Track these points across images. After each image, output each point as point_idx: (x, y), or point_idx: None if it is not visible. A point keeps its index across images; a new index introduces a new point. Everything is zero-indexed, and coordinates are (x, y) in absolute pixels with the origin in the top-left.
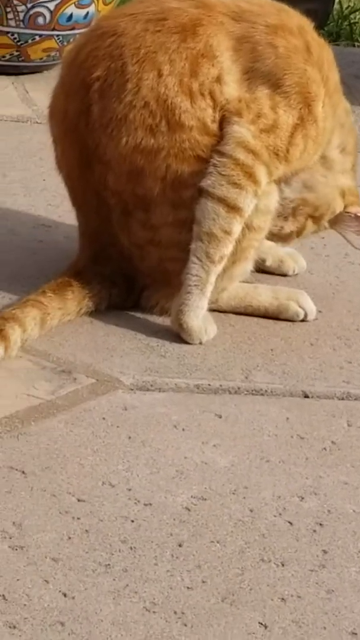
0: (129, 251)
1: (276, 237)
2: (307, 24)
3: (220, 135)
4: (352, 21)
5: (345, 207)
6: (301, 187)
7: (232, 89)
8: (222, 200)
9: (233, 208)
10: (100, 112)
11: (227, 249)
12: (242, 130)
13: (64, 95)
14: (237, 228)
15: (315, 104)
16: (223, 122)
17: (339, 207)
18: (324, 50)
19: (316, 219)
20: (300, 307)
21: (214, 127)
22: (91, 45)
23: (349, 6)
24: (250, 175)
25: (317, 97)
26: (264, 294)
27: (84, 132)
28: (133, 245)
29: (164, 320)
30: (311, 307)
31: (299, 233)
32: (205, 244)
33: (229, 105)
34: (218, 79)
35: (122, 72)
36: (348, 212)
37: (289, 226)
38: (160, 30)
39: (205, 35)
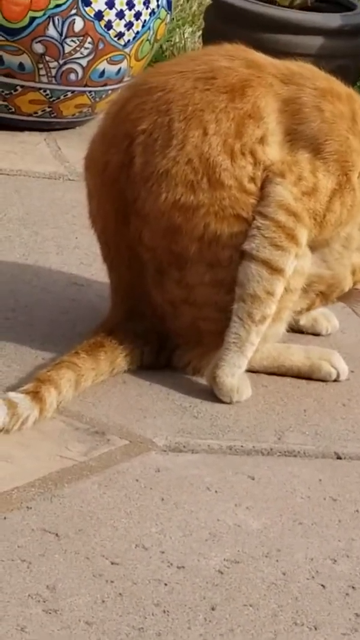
0: (161, 309)
1: (292, 328)
2: (356, 94)
3: (260, 195)
4: None
5: (355, 283)
6: (319, 262)
7: (274, 150)
8: (265, 263)
9: (276, 270)
10: (142, 165)
11: (270, 309)
12: (284, 192)
13: (106, 146)
14: (279, 289)
15: (352, 173)
16: (265, 182)
17: (348, 286)
18: None
19: (325, 296)
20: (332, 367)
21: (251, 186)
22: (138, 99)
23: None
24: (292, 238)
25: (354, 167)
26: (297, 354)
27: (124, 184)
28: (166, 303)
29: (196, 380)
30: (343, 367)
31: (307, 309)
32: (248, 304)
33: (273, 167)
34: (261, 140)
35: (169, 127)
36: (357, 289)
37: (300, 304)
38: (209, 89)
39: (253, 96)
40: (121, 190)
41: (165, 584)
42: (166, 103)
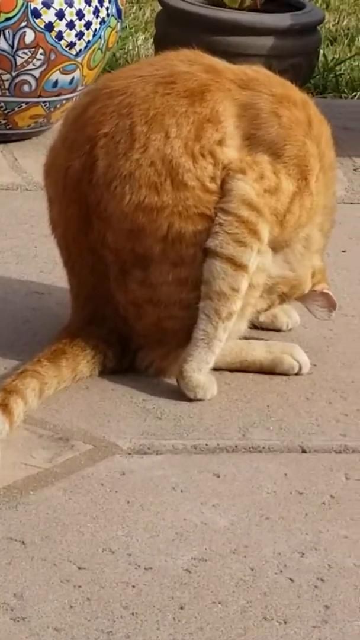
0: (125, 310)
1: (254, 324)
2: (309, 99)
3: (222, 193)
4: (337, 73)
5: (313, 285)
6: (282, 263)
7: (232, 151)
8: (229, 259)
9: (240, 266)
10: (105, 168)
11: (236, 305)
12: (246, 187)
13: (67, 151)
14: (244, 285)
15: (311, 177)
16: (226, 179)
17: (308, 288)
18: (323, 127)
19: (286, 296)
20: (294, 360)
21: (213, 186)
22: (100, 103)
23: (334, 58)
24: (255, 233)
25: (312, 171)
26: (258, 348)
27: (86, 188)
28: (130, 304)
29: (159, 382)
30: (305, 360)
31: (266, 310)
32: (214, 301)
33: (232, 165)
34: (220, 142)
35: (131, 130)
36: (315, 290)
37: (261, 304)
38: (170, 94)
39: (212, 101)
40: (83, 194)
41: (133, 586)
42: (128, 107)
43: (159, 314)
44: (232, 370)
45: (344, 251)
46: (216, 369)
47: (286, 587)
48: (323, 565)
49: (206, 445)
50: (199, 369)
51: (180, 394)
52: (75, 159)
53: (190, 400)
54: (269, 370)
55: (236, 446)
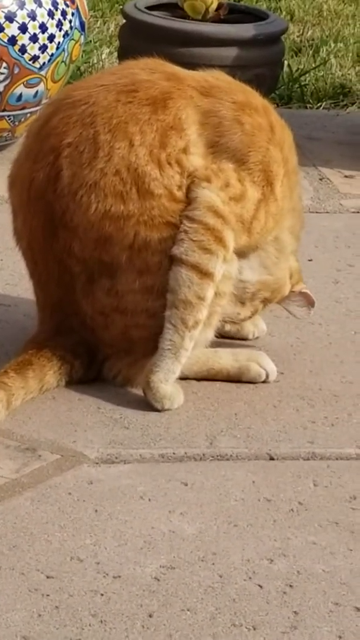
0: (91, 320)
1: (231, 323)
2: (270, 105)
3: (188, 201)
4: (302, 83)
5: (291, 286)
6: (260, 268)
7: (197, 159)
8: (195, 267)
9: (206, 274)
10: (70, 178)
11: (202, 314)
12: (212, 195)
13: (31, 162)
14: (210, 293)
15: (276, 182)
16: (191, 187)
17: (288, 289)
18: (285, 132)
19: (268, 301)
20: (261, 367)
21: (180, 194)
22: (62, 113)
23: (299, 69)
24: (220, 240)
25: (277, 176)
26: (225, 357)
27: (51, 198)
28: (97, 313)
29: (126, 392)
30: (272, 368)
31: (251, 316)
32: (180, 310)
33: (197, 172)
34: (185, 150)
35: (94, 139)
36: (293, 291)
37: (245, 312)
38: (132, 102)
39: (174, 108)
40: (48, 205)
41: (102, 594)
42: (91, 116)
43: (125, 322)
44: (199, 379)
45: (310, 260)
46: (183, 378)
47: (255, 593)
48: (292, 572)
49: (174, 454)
50: (166, 379)
51: (147, 404)
52: (40, 170)
53: (157, 410)
54: (236, 378)
55: (204, 454)
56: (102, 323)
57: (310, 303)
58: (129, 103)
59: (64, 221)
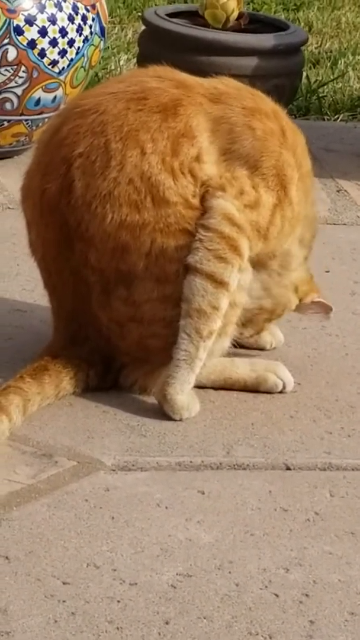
0: (107, 330)
1: (237, 343)
2: (281, 110)
3: (203, 209)
4: (320, 95)
5: (300, 300)
6: (259, 292)
7: (210, 168)
8: (209, 276)
9: (220, 283)
10: (83, 188)
11: (216, 324)
12: (227, 204)
13: (41, 174)
14: (224, 303)
15: (290, 186)
16: (206, 197)
17: (293, 304)
18: (297, 136)
19: (271, 320)
20: (278, 378)
21: (195, 201)
22: (72, 122)
23: (317, 80)
24: (235, 249)
25: (292, 180)
26: (242, 367)
27: (64, 210)
28: (113, 323)
29: (143, 399)
30: (289, 378)
31: (257, 333)
32: (194, 320)
33: (212, 181)
34: (197, 159)
35: (106, 149)
36: (306, 303)
37: (249, 331)
38: (142, 110)
39: (185, 115)
40: (62, 216)
41: (118, 601)
42: (101, 125)
43: (141, 332)
44: (216, 388)
45: (327, 271)
46: (200, 386)
47: (271, 602)
48: (308, 581)
49: (190, 462)
50: (182, 390)
51: (164, 412)
52: (51, 182)
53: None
54: (253, 388)
55: (221, 463)
56: (118, 332)
57: (326, 310)
58: (139, 111)
59: (80, 232)
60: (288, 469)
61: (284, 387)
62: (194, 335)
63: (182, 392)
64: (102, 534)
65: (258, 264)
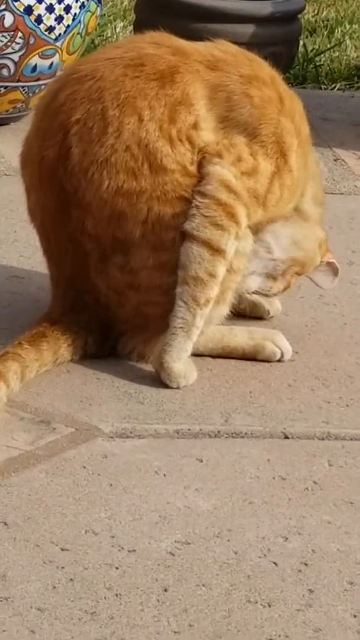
0: (105, 297)
1: (264, 296)
2: (278, 76)
3: (200, 176)
4: (317, 64)
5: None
6: (291, 246)
7: (208, 135)
8: (206, 243)
9: (217, 250)
10: (80, 155)
11: (213, 291)
12: (224, 171)
13: (40, 140)
14: (221, 270)
15: (290, 153)
16: (203, 163)
17: (319, 259)
18: (294, 102)
19: (300, 274)
20: (276, 346)
21: (193, 169)
22: (69, 88)
23: (314, 49)
24: (232, 216)
25: (291, 147)
26: (240, 335)
27: (62, 176)
28: (111, 291)
29: (141, 367)
30: (287, 347)
31: (285, 290)
32: (191, 287)
33: (209, 148)
34: (195, 126)
35: (103, 115)
36: (322, 261)
37: (278, 286)
38: (139, 76)
39: (182, 82)
40: (60, 183)
41: (117, 568)
42: (98, 91)
43: (139, 299)
44: (214, 356)
45: None
46: (198, 354)
47: (270, 570)
48: (307, 550)
49: (189, 430)
50: (179, 358)
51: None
52: (49, 148)
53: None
54: (250, 356)
55: (219, 431)
56: (116, 300)
57: (335, 272)
58: (136, 77)
59: (76, 199)
60: (286, 437)
61: (282, 355)
62: (191, 303)
63: (179, 360)
64: (101, 501)
65: (274, 222)
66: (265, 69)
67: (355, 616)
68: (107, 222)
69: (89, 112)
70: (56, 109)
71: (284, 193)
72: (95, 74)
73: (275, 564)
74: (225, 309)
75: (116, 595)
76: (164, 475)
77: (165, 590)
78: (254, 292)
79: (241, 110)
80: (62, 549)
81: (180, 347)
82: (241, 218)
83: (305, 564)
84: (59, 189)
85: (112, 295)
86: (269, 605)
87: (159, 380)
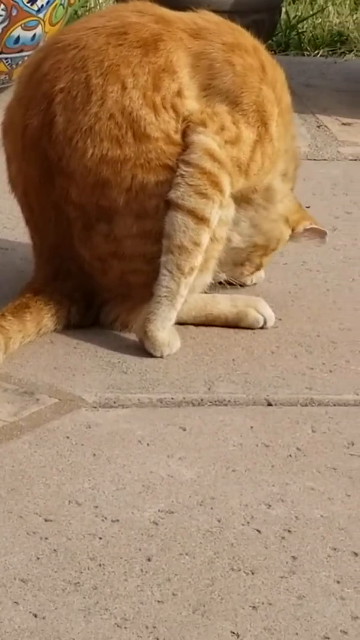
0: (89, 266)
1: (239, 282)
2: (260, 45)
3: (184, 145)
4: (300, 31)
5: (293, 229)
6: (249, 230)
7: (191, 103)
8: (190, 212)
9: (201, 219)
10: (64, 124)
11: (197, 260)
12: (208, 139)
13: (23, 109)
14: (205, 239)
15: (271, 122)
16: (187, 132)
17: (286, 234)
18: (276, 71)
19: (268, 254)
20: (259, 313)
21: (177, 137)
22: (53, 58)
23: (296, 16)
24: (216, 185)
25: (272, 116)
26: (223, 302)
27: (46, 145)
28: (94, 259)
29: (124, 337)
30: (270, 314)
31: (258, 269)
32: (176, 256)
33: (193, 117)
34: (178, 94)
35: (87, 84)
36: (298, 231)
37: (248, 269)
38: (122, 44)
39: (165, 50)
40: (43, 151)
41: (100, 538)
42: (81, 60)
43: (123, 267)
44: (197, 324)
45: (308, 207)
46: (181, 323)
47: (253, 538)
48: (290, 517)
49: (172, 399)
50: (163, 327)
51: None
52: (33, 117)
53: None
54: (233, 324)
55: (202, 400)
56: (100, 268)
57: (320, 235)
58: (120, 46)
59: (60, 167)
60: (269, 404)
61: (265, 322)
62: (175, 272)
63: (163, 329)
64: (84, 471)
65: (242, 200)
66: (247, 38)
67: (338, 582)
68: (91, 190)
69: (72, 80)
70: (40, 78)
71: (265, 162)
72: (78, 43)
73: (259, 531)
74: (208, 277)
75: (100, 565)
76: (147, 444)
77: (149, 559)
78: (226, 282)
79: (223, 78)
80: (46, 520)
81: (164, 315)
82: (225, 187)
83: (289, 531)
84: (42, 158)
85: (96, 263)
86: (253, 573)
87: (143, 349)
